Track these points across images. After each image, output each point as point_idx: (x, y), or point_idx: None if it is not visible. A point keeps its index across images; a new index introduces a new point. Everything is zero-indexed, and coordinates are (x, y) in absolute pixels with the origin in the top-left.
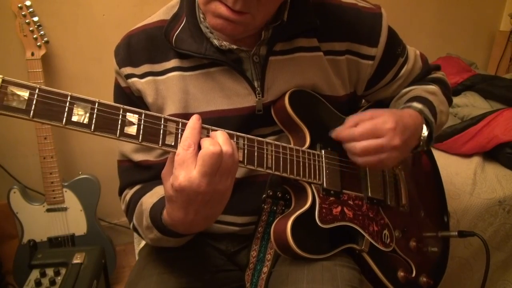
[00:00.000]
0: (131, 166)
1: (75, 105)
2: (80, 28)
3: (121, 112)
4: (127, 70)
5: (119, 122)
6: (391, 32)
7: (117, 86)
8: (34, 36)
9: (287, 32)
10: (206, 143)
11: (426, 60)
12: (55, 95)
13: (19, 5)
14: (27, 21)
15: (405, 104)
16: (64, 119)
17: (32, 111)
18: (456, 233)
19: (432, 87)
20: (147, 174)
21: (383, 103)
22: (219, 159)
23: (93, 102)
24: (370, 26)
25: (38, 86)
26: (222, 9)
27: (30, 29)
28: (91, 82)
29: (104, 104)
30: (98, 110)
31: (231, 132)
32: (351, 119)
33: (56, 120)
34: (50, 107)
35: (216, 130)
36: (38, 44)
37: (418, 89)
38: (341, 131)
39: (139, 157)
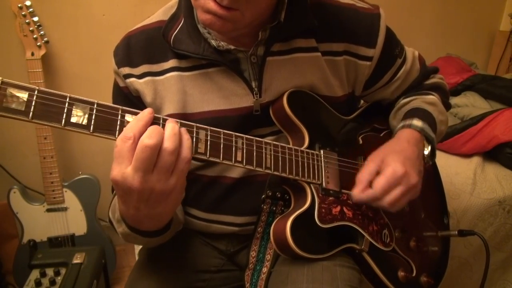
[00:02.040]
0: None
1: (74, 106)
2: (80, 28)
3: (119, 112)
4: (126, 70)
5: (118, 123)
6: (389, 33)
7: (115, 86)
8: (34, 36)
9: (285, 32)
10: (144, 134)
11: (424, 62)
12: (54, 96)
13: (19, 5)
14: (27, 21)
15: (405, 121)
16: (63, 120)
17: (31, 113)
18: (456, 232)
19: (432, 97)
20: None
21: (382, 103)
22: (152, 154)
23: (91, 103)
24: (368, 27)
25: (37, 87)
26: (210, 4)
27: (30, 29)
28: (91, 82)
29: (103, 105)
30: (97, 111)
31: (229, 132)
32: (363, 179)
33: (55, 121)
34: (49, 108)
35: (171, 121)
36: (38, 44)
37: (417, 100)
38: (360, 196)
39: None
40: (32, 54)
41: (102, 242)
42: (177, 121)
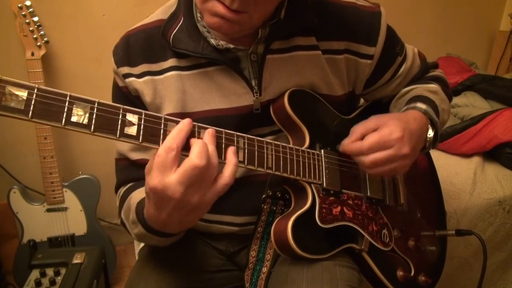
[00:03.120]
0: (128, 164)
1: (74, 105)
2: (80, 28)
3: (121, 112)
4: (125, 69)
5: (119, 123)
6: (390, 31)
7: (115, 85)
8: (34, 36)
9: (285, 30)
10: (193, 153)
11: (424, 58)
12: (54, 94)
13: (19, 5)
14: (27, 21)
15: (408, 105)
16: (64, 119)
17: (31, 111)
18: (454, 232)
19: (433, 86)
20: (144, 172)
21: (382, 102)
22: (201, 172)
23: (92, 102)
24: (369, 25)
25: (36, 86)
26: (219, 8)
27: (30, 29)
28: (91, 82)
29: (104, 104)
30: (98, 110)
31: (231, 132)
32: (357, 131)
33: (55, 120)
34: (49, 107)
35: (207, 128)
36: (38, 44)
37: (419, 88)
38: (348, 146)
39: (136, 155)
40: (32, 54)
41: (102, 242)
42: (216, 130)
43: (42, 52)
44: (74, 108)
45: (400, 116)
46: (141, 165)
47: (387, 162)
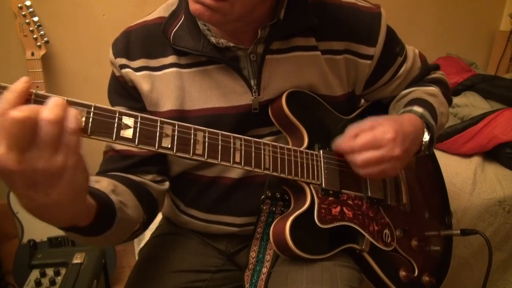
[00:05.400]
0: (114, 155)
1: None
2: (80, 28)
3: (117, 115)
4: (122, 60)
5: (115, 126)
6: (390, 32)
7: (112, 76)
8: (34, 36)
9: (284, 30)
10: (13, 109)
11: (425, 59)
12: (48, 98)
13: (19, 5)
14: (27, 21)
15: (405, 108)
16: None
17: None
18: (459, 231)
19: (432, 89)
20: (126, 163)
21: (382, 103)
22: (24, 126)
23: (89, 106)
24: (369, 25)
25: (33, 91)
26: None
27: (30, 29)
28: (91, 82)
29: (100, 108)
30: (94, 114)
31: (228, 133)
32: (351, 130)
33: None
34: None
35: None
36: (38, 44)
37: (418, 90)
38: (341, 144)
39: (120, 146)
40: (32, 54)
41: None
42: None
43: (42, 52)
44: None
45: (396, 118)
46: (126, 155)
47: (378, 162)
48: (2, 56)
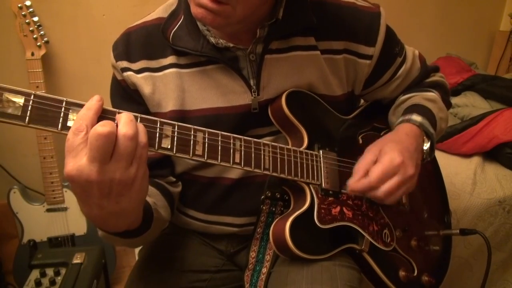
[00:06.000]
0: None
1: (70, 111)
2: (80, 28)
3: (116, 115)
4: (124, 63)
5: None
6: (389, 32)
7: (113, 79)
8: (34, 36)
9: (283, 30)
10: (97, 124)
11: (424, 61)
12: (50, 100)
13: (19, 5)
14: (27, 21)
15: (404, 116)
16: (60, 124)
17: (27, 117)
18: (458, 231)
19: (432, 94)
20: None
21: (382, 103)
22: (108, 140)
23: None
24: (368, 25)
25: (33, 92)
26: None
27: (30, 29)
28: (91, 82)
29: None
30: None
31: (227, 134)
32: (359, 169)
33: (52, 125)
34: (45, 113)
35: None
36: (38, 44)
37: (417, 96)
38: (356, 185)
39: None
40: (32, 54)
41: (102, 242)
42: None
43: (42, 52)
44: (70, 113)
45: (394, 137)
46: None
47: (398, 188)
48: (2, 56)
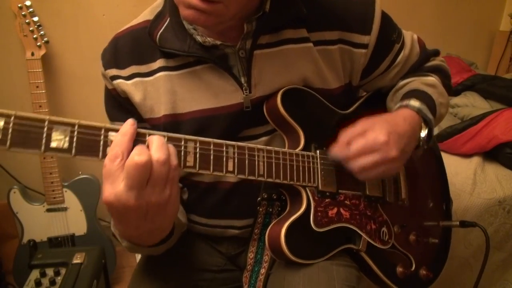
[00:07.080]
0: None
1: (53, 130)
2: (80, 28)
3: (102, 132)
4: (113, 71)
5: (101, 143)
6: (385, 18)
7: (105, 89)
8: (34, 36)
9: (272, 23)
10: (132, 152)
11: (423, 45)
12: (31, 120)
13: (19, 5)
14: (27, 21)
15: (402, 102)
16: (43, 146)
17: (8, 141)
18: (458, 222)
19: (431, 79)
20: None
21: (382, 92)
22: (145, 169)
23: (72, 125)
24: (362, 13)
25: (13, 113)
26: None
27: (30, 29)
28: (91, 82)
29: (84, 125)
30: (78, 132)
31: (220, 141)
32: (343, 137)
33: (34, 147)
34: (28, 135)
35: (154, 135)
36: (38, 44)
37: (416, 81)
38: (335, 152)
39: None
40: (32, 54)
41: (102, 242)
42: (161, 134)
43: (42, 52)
44: (53, 133)
45: (389, 118)
46: None
47: (375, 166)
48: (2, 56)
